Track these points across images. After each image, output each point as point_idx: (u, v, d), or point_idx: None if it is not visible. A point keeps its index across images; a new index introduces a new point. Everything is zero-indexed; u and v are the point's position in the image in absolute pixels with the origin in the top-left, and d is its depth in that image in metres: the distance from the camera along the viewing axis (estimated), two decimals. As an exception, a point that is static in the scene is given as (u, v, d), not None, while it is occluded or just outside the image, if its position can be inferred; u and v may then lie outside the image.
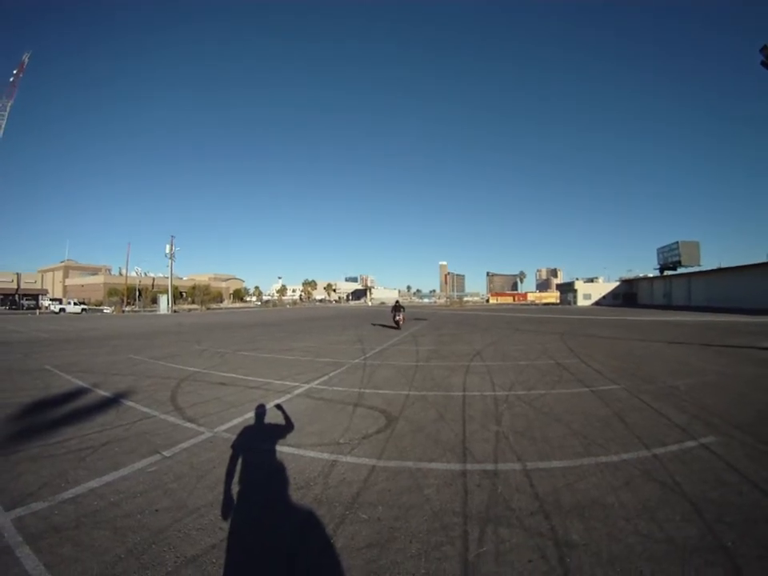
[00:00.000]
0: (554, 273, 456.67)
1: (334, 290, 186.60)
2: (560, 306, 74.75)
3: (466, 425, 6.92)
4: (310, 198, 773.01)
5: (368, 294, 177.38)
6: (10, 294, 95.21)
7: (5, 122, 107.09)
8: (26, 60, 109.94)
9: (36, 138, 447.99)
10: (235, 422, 7.56)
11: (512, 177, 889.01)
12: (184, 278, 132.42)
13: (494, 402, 8.18)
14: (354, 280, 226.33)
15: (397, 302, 31.44)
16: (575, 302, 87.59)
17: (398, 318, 28.84)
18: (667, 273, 79.35)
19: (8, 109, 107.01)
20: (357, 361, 14.34)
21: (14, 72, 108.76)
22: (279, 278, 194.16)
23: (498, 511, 4.12)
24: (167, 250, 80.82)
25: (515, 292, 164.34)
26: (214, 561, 3.61)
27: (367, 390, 9.82)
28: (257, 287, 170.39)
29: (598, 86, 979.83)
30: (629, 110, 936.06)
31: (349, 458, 5.73)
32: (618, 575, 3.19)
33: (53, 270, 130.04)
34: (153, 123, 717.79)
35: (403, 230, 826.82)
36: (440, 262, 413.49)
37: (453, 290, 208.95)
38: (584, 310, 57.28)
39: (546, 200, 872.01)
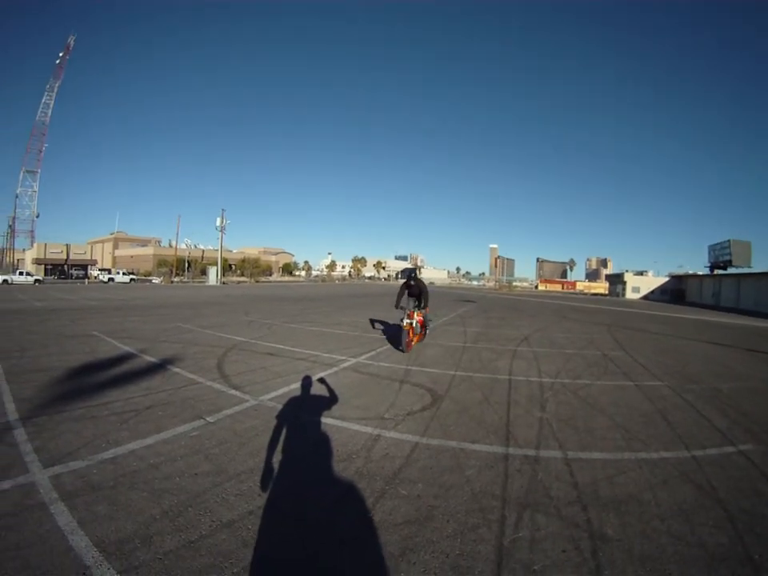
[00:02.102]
0: (603, 263, 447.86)
1: (384, 268, 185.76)
2: (608, 298, 72.99)
3: (511, 409, 6.95)
4: (362, 175, 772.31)
5: (417, 272, 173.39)
6: (60, 265, 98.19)
7: (53, 102, 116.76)
8: (72, 42, 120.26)
9: (86, 114, 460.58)
10: (281, 391, 7.69)
11: (567, 164, 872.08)
12: (234, 251, 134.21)
13: (540, 389, 8.18)
14: (404, 258, 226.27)
15: (411, 275, 13.32)
16: (624, 295, 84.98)
17: (406, 321, 12.23)
18: (717, 272, 76.79)
19: (56, 89, 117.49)
20: None
21: (60, 54, 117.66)
22: (329, 253, 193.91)
23: (537, 498, 4.14)
24: (218, 223, 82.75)
25: (564, 280, 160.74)
26: (250, 527, 3.67)
27: (414, 368, 9.96)
28: (306, 262, 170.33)
29: (663, 75, 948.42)
30: (689, 103, 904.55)
31: (393, 434, 5.81)
32: (647, 574, 3.17)
33: (102, 241, 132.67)
34: (205, 96, 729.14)
35: (455, 211, 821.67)
36: (490, 245, 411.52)
37: (502, 274, 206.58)
38: (631, 303, 55.70)
39: (600, 189, 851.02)
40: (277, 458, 5.04)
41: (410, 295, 13.23)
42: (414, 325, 12.28)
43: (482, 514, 3.84)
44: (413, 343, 12.38)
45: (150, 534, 3.54)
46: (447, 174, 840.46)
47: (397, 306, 12.81)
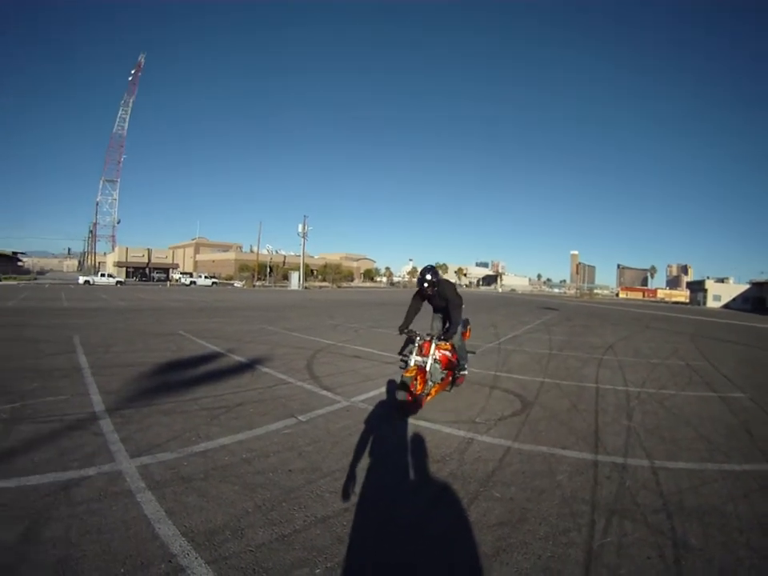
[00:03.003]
0: (684, 270, 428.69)
1: (465, 275, 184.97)
2: (688, 306, 70.17)
3: (599, 416, 6.97)
4: (442, 182, 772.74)
5: (498, 280, 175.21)
6: (141, 268, 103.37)
7: (128, 115, 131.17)
8: (142, 60, 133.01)
9: (165, 125, 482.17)
10: (371, 393, 7.78)
11: (646, 167, 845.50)
12: (315, 257, 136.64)
13: (626, 397, 8.13)
14: (485, 265, 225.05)
15: (425, 278, 7.59)
16: (704, 303, 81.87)
17: (414, 360, 7.06)
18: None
19: (131, 104, 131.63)
20: (491, 345, 14.51)
21: (132, 72, 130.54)
22: (410, 259, 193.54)
23: (625, 504, 4.16)
24: (300, 229, 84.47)
25: (644, 287, 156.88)
26: (345, 523, 3.69)
27: (502, 374, 9.96)
28: (387, 268, 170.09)
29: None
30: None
31: (485, 438, 5.85)
32: (725, 586, 3.17)
33: (183, 246, 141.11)
34: (284, 104, 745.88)
35: (536, 217, 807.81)
36: (571, 251, 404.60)
37: (583, 282, 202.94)
38: (712, 312, 53.76)
39: (683, 192, 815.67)
40: (370, 457, 5.09)
41: (434, 311, 8.64)
42: (429, 367, 7.01)
43: (573, 518, 3.89)
44: (428, 396, 7.22)
45: (241, 527, 3.55)
46: (527, 179, 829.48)
47: (402, 330, 7.79)
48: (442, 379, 7.53)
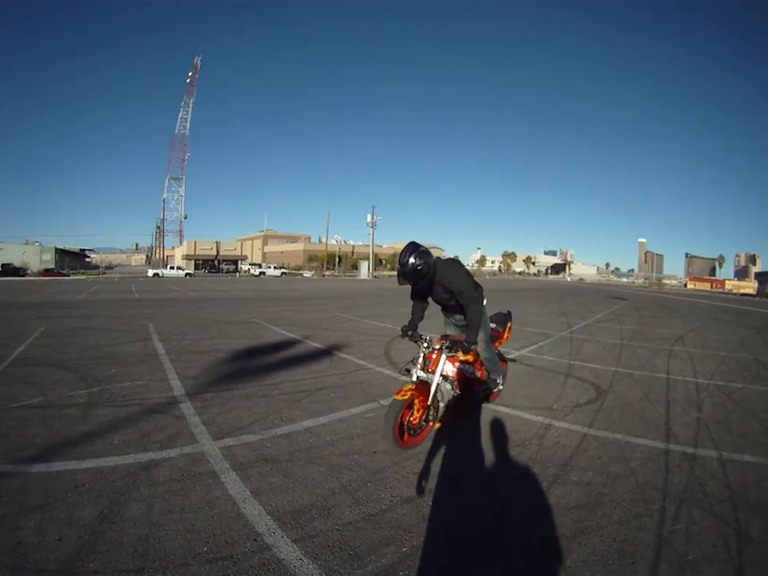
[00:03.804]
0: (752, 260, 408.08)
1: (533, 263, 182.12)
2: (756, 299, 66.67)
3: (670, 407, 6.95)
4: (511, 170, 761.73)
5: (567, 268, 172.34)
6: (209, 260, 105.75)
7: (189, 116, 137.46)
8: (198, 62, 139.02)
9: (232, 122, 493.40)
10: None
11: (717, 153, 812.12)
12: (383, 246, 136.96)
13: (696, 389, 8.05)
14: (553, 254, 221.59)
15: (408, 267, 4.95)
16: None
17: (417, 375, 5.14)
18: None
19: (191, 105, 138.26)
20: (563, 333, 14.55)
21: (189, 74, 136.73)
22: (478, 248, 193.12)
23: (694, 493, 4.22)
24: (369, 219, 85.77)
25: (712, 278, 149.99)
26: (430, 503, 3.81)
27: (576, 362, 9.96)
28: (456, 256, 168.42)
29: None
30: None
31: (562, 424, 5.97)
32: (780, 579, 3.24)
33: (252, 238, 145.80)
34: (349, 93, 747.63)
35: (603, 203, 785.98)
36: (639, 239, 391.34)
37: (651, 271, 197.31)
38: None
39: (750, 180, 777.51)
40: (452, 440, 5.22)
41: (444, 311, 6.35)
42: (436, 387, 5.11)
43: (645, 504, 3.97)
44: (436, 424, 5.36)
45: (327, 506, 3.63)
46: (597, 166, 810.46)
47: (405, 333, 5.70)
48: (457, 403, 5.50)
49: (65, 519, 3.32)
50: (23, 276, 57.58)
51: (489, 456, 4.87)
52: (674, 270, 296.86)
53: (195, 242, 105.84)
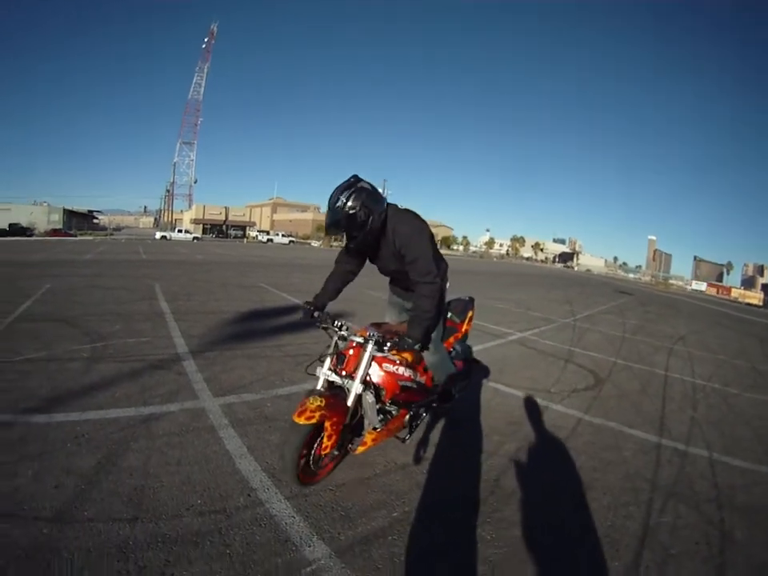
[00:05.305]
0: (759, 270, 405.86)
1: (542, 250, 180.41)
2: (761, 309, 66.15)
3: (666, 403, 7.03)
4: (523, 155, 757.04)
5: (575, 258, 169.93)
6: (218, 225, 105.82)
7: (204, 81, 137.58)
8: (215, 29, 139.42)
9: (244, 85, 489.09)
10: None
11: (734, 157, 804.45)
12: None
13: (693, 389, 8.11)
14: (562, 242, 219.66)
15: (340, 210, 3.32)
16: None
17: (323, 376, 3.61)
18: None
19: (205, 70, 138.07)
20: (567, 320, 14.67)
21: (205, 39, 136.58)
22: (487, 230, 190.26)
23: (682, 489, 4.30)
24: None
25: (719, 284, 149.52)
26: (423, 471, 3.92)
27: (577, 349, 10.07)
28: (464, 237, 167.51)
29: None
30: None
31: (559, 407, 6.07)
32: (761, 581, 3.31)
33: (261, 206, 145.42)
34: (361, 67, 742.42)
35: (615, 196, 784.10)
36: (649, 236, 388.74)
37: (659, 269, 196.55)
38: None
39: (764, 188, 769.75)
40: (451, 412, 5.19)
41: (390, 282, 5.31)
42: (353, 400, 3.43)
43: (634, 493, 4.06)
44: (358, 448, 3.66)
45: None
46: (611, 161, 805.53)
47: (310, 314, 4.16)
48: (388, 422, 3.77)
49: (63, 468, 3.36)
50: (30, 236, 57.44)
51: (484, 431, 4.92)
52: (681, 271, 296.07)
53: (204, 207, 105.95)
